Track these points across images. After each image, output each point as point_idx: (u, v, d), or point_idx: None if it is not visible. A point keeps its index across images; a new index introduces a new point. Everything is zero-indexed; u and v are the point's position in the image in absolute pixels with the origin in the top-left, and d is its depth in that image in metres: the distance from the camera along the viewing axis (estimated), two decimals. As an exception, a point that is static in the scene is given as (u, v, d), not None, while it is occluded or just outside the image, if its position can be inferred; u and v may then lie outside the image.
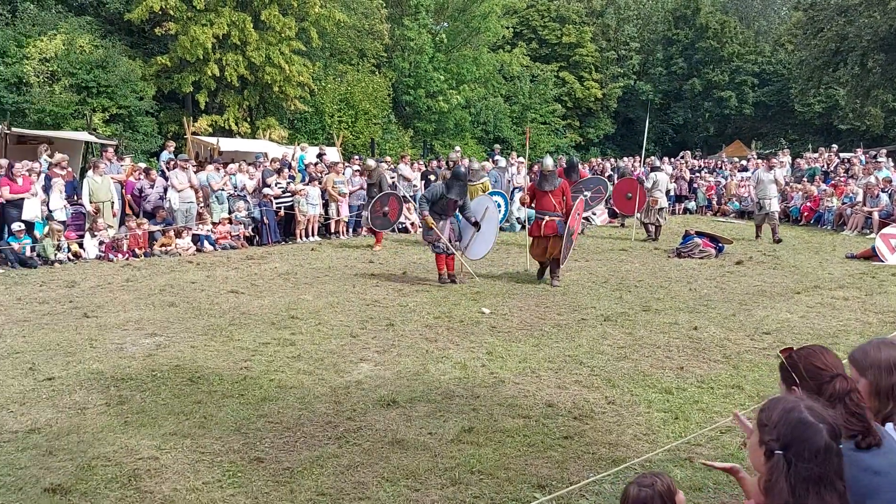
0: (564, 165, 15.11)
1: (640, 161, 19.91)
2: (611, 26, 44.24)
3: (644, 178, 16.45)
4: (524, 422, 4.96)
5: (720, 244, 13.13)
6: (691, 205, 22.24)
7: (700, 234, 13.28)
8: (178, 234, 13.53)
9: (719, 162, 26.15)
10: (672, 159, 25.14)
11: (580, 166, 17.62)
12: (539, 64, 40.73)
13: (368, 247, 14.16)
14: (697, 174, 23.20)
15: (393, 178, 17.09)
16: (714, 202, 21.70)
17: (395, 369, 6.18)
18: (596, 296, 9.38)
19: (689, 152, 27.82)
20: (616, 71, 43.81)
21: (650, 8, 48.33)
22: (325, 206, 15.91)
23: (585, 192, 13.93)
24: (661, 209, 15.54)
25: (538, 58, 41.27)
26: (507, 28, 37.05)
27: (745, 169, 23.35)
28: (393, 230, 15.22)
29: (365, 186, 15.69)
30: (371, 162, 15.59)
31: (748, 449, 1.94)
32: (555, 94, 40.39)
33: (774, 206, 14.76)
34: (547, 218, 10.27)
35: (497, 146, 26.85)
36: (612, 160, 25.69)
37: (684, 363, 6.35)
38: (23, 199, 12.21)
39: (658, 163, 17.22)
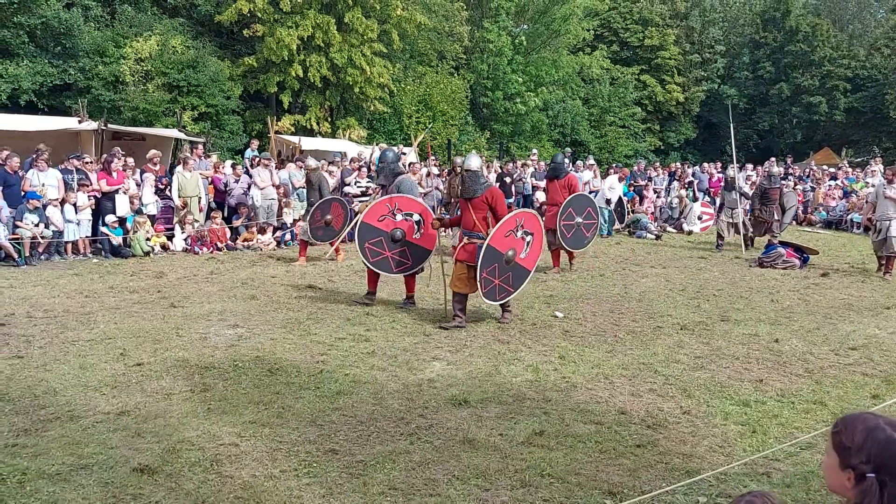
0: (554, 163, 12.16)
1: (734, 167, 19.31)
2: (695, 29, 43.17)
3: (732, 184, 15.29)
4: (596, 428, 4.93)
5: (805, 255, 12.67)
6: (775, 213, 21.49)
7: (784, 244, 12.85)
8: (262, 231, 13.96)
9: (807, 170, 25.21)
10: (756, 166, 24.41)
11: (573, 171, 14.69)
12: (619, 66, 40.12)
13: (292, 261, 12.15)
14: (783, 182, 22.41)
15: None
16: (800, 211, 20.95)
17: (466, 369, 6.23)
18: (673, 304, 9.20)
19: (774, 159, 26.89)
20: (699, 74, 42.75)
21: (737, 10, 46.94)
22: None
23: (577, 218, 11.23)
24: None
25: (619, 60, 40.64)
26: (588, 30, 36.63)
27: (834, 177, 22.46)
28: (349, 238, 12.52)
29: (442, 187, 15.63)
30: (311, 161, 12.79)
31: (825, 471, 1.88)
32: (635, 98, 39.72)
33: (894, 230, 11.51)
34: (465, 239, 7.87)
35: (568, 149, 26.61)
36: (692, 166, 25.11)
37: (763, 376, 6.17)
38: (117, 191, 12.87)
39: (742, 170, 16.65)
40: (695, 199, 20.07)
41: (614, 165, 22.44)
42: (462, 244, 7.89)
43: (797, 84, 41.88)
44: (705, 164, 22.44)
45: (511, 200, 18.37)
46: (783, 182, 15.88)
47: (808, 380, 6.10)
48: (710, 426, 5.02)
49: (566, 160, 12.95)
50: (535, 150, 23.76)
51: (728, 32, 45.76)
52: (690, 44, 42.77)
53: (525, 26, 34.74)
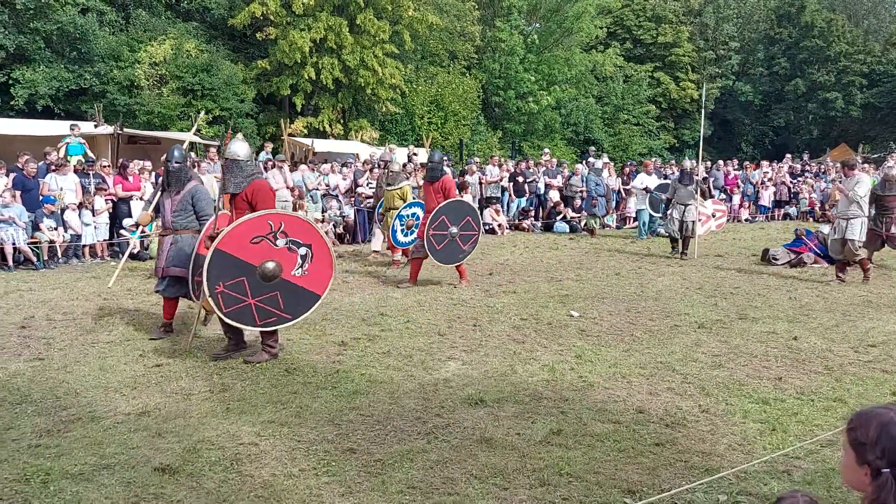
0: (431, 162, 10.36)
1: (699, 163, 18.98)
2: (709, 25, 42.95)
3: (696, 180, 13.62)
4: (614, 427, 4.91)
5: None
6: (792, 210, 21.40)
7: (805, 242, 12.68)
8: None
9: (823, 166, 25.03)
10: (772, 163, 24.26)
11: (448, 173, 10.86)
12: (633, 64, 39.98)
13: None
14: (800, 178, 22.29)
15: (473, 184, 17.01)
16: (817, 208, 20.81)
17: (482, 369, 6.23)
18: (689, 302, 9.16)
19: (790, 155, 26.77)
20: (714, 71, 42.53)
21: (751, 6, 46.67)
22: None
23: (452, 228, 9.65)
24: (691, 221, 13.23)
25: (632, 58, 40.50)
26: (601, 28, 36.51)
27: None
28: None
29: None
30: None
31: (842, 468, 1.89)
32: (649, 95, 39.57)
33: (852, 230, 10.36)
34: None
35: (592, 148, 26.54)
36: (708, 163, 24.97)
37: (783, 374, 6.13)
38: (131, 197, 12.96)
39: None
40: (710, 196, 19.93)
41: (631, 163, 22.35)
42: None
43: (813, 80, 41.60)
44: (720, 162, 22.31)
45: (524, 200, 18.32)
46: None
47: (828, 377, 6.06)
48: (729, 424, 4.99)
49: (445, 159, 11.17)
50: (546, 149, 23.69)
51: (742, 28, 45.50)
52: (704, 40, 42.56)
53: (537, 25, 34.68)
